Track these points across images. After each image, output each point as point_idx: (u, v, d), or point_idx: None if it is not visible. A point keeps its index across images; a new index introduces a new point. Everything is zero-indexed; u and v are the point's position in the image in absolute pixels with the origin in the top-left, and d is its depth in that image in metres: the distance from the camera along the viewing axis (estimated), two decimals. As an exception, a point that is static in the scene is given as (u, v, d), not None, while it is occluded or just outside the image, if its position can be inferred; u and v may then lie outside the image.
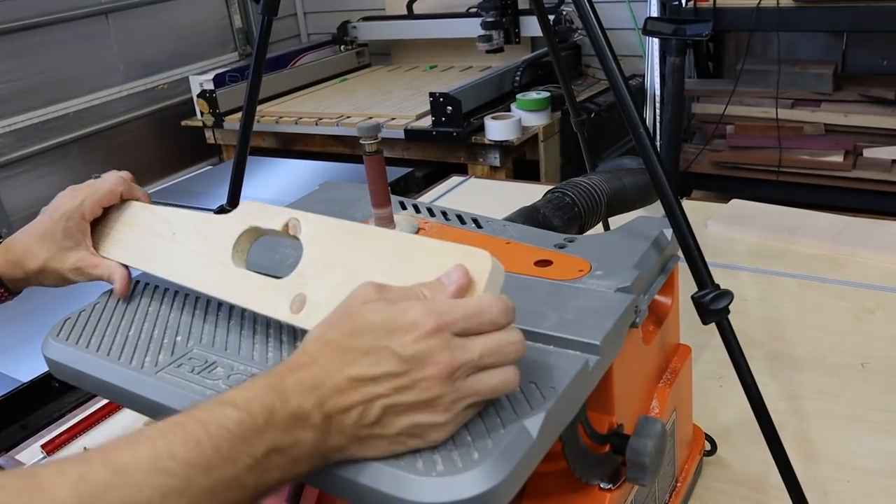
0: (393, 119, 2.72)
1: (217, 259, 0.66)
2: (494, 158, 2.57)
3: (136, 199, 0.78)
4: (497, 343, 0.48)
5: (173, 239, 0.71)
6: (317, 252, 0.60)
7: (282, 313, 0.59)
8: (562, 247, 0.71)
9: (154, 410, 0.60)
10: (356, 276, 0.54)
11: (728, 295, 0.71)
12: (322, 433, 0.46)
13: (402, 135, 2.63)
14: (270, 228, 0.65)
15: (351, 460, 0.48)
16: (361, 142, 0.70)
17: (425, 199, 1.76)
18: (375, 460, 0.48)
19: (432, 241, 0.55)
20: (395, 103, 2.90)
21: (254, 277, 0.63)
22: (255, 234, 0.67)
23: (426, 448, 0.48)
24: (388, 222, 0.74)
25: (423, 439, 0.47)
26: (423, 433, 0.47)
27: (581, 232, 0.90)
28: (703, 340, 1.02)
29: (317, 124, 2.83)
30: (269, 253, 0.73)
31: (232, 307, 0.69)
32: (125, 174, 0.79)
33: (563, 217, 0.87)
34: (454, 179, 1.87)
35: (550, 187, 0.93)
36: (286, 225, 0.63)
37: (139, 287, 0.75)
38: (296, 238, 0.63)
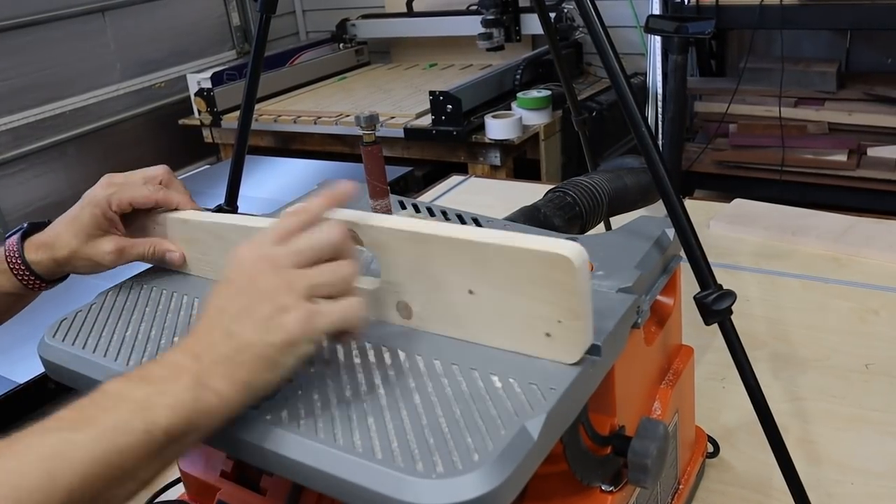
0: (392, 118, 2.72)
1: None
2: (495, 157, 2.57)
3: (174, 204, 0.76)
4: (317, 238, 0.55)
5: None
6: (391, 261, 0.60)
7: (393, 319, 0.61)
8: (563, 247, 0.71)
9: (151, 412, 0.60)
10: (440, 282, 0.57)
11: (731, 295, 0.71)
12: (193, 359, 0.51)
13: (401, 133, 2.63)
14: None
15: (239, 375, 0.51)
16: (359, 132, 0.70)
17: (425, 198, 1.76)
18: (374, 463, 0.48)
19: (506, 241, 0.54)
20: (394, 102, 2.90)
21: None
22: None
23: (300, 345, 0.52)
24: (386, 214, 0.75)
25: (281, 320, 0.52)
26: (278, 316, 0.52)
27: (582, 232, 0.90)
28: (705, 341, 1.02)
29: (315, 123, 2.83)
30: None
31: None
32: (165, 175, 0.78)
33: (565, 217, 0.87)
34: (454, 179, 1.87)
35: (551, 187, 0.93)
36: None
37: (135, 287, 0.75)
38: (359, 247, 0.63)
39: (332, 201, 0.58)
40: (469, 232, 0.56)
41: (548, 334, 0.54)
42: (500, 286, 0.55)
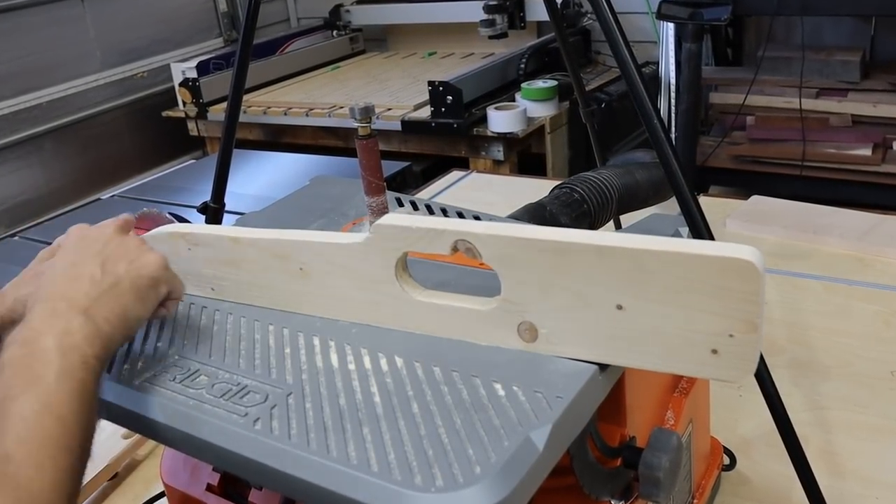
0: (389, 110, 2.72)
1: (389, 294, 0.62)
2: (498, 152, 2.57)
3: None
4: None
5: (303, 274, 0.66)
6: (516, 277, 0.56)
7: (512, 343, 0.58)
8: (570, 246, 0.71)
9: (134, 421, 0.60)
10: (580, 298, 0.54)
11: (748, 298, 0.71)
12: (68, 302, 0.57)
13: (398, 126, 2.63)
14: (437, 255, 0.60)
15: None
16: (354, 125, 0.70)
17: (424, 195, 1.76)
18: (370, 476, 0.48)
19: (671, 247, 0.51)
20: (391, 93, 2.90)
21: (448, 309, 0.60)
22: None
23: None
24: (382, 212, 0.75)
25: (146, 258, 0.62)
26: (143, 254, 0.63)
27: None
28: (721, 347, 1.02)
29: (307, 115, 2.83)
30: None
31: (216, 311, 0.69)
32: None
33: (572, 214, 0.87)
34: (455, 174, 1.88)
35: (558, 182, 0.94)
36: (455, 249, 0.57)
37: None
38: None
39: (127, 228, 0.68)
40: (621, 239, 0.52)
41: (714, 351, 0.51)
42: (658, 299, 0.51)
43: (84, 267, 0.61)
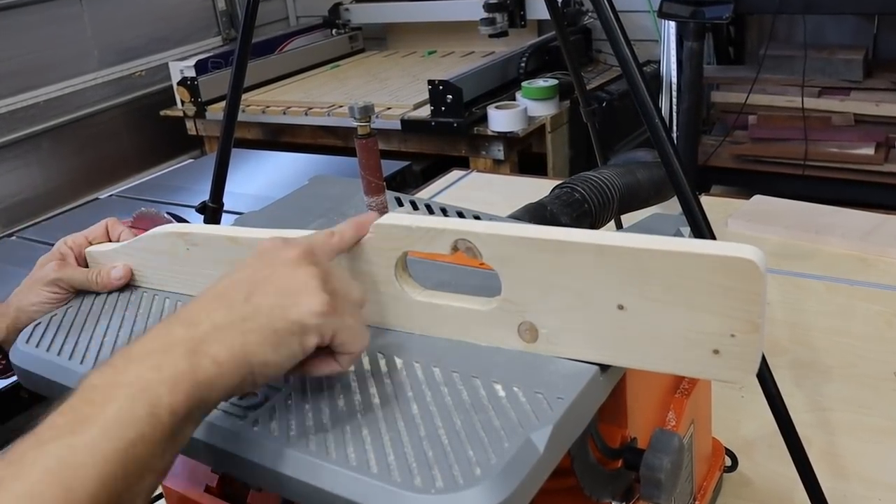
0: (389, 109, 2.72)
1: (389, 294, 0.62)
2: (498, 151, 2.57)
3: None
4: None
5: None
6: (517, 276, 0.56)
7: (512, 343, 0.58)
8: (571, 246, 0.71)
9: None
10: (581, 297, 0.54)
11: (750, 298, 0.71)
12: (187, 327, 0.50)
13: (398, 126, 2.63)
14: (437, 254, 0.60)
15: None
16: (353, 124, 0.70)
17: (424, 195, 1.76)
18: (369, 478, 0.48)
19: (672, 247, 0.51)
20: (391, 92, 2.90)
21: (448, 309, 0.60)
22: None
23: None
24: (381, 212, 0.75)
25: (304, 298, 0.52)
26: (303, 293, 0.52)
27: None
28: (722, 347, 1.02)
29: (306, 114, 2.83)
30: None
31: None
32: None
33: (573, 214, 0.87)
34: (455, 174, 1.88)
35: (558, 182, 0.94)
36: (455, 249, 0.57)
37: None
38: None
39: (362, 231, 0.60)
40: (623, 238, 0.52)
41: (716, 351, 0.51)
42: (659, 298, 0.52)
43: (234, 289, 0.53)
